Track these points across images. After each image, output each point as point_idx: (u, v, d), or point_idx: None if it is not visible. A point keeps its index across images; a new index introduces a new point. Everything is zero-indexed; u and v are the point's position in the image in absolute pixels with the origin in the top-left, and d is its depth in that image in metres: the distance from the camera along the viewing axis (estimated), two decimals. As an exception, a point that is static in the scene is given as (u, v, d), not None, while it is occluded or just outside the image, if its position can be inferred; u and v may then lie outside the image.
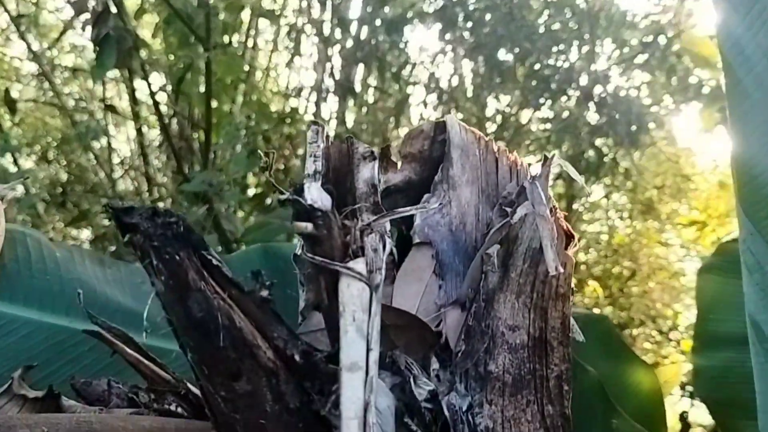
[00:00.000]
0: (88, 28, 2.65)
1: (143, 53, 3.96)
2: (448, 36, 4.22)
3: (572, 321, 0.70)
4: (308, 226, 0.47)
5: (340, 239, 0.49)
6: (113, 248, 4.12)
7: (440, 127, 0.75)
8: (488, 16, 3.98)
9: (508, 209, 0.65)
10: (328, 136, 0.71)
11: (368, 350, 0.47)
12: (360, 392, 0.46)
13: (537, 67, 4.30)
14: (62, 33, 4.06)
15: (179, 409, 0.66)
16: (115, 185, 4.73)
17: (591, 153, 4.39)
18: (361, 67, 4.52)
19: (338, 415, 0.46)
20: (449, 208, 0.71)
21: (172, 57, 4.10)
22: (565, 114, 4.33)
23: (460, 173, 0.71)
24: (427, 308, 0.68)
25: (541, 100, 4.17)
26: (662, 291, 4.34)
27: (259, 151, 0.60)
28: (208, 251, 0.47)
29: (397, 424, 0.53)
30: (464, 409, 0.62)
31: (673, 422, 3.73)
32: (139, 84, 4.27)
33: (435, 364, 0.64)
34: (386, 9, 4.10)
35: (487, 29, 4.10)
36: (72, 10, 2.95)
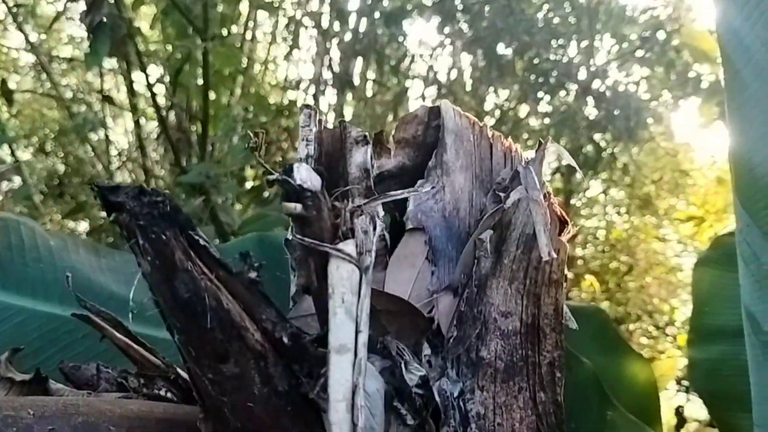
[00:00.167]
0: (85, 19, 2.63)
1: (141, 45, 3.95)
2: (447, 29, 4.21)
3: (565, 308, 0.69)
4: (297, 207, 0.47)
5: (329, 221, 0.48)
6: (111, 240, 4.11)
7: (434, 112, 0.74)
8: (487, 9, 3.97)
9: (502, 194, 0.65)
10: (320, 121, 0.70)
11: (357, 332, 0.46)
12: (348, 374, 0.45)
13: (536, 61, 4.29)
14: (54, 20, 4.04)
15: (168, 394, 0.65)
16: (113, 177, 4.71)
17: (589, 148, 4.38)
18: (359, 60, 4.51)
19: (326, 398, 0.46)
20: (443, 194, 0.70)
21: (169, 48, 4.08)
22: (564, 108, 4.32)
23: (454, 159, 0.70)
24: (419, 294, 0.67)
25: (540, 95, 4.16)
26: (659, 286, 4.35)
27: (248, 132, 0.59)
28: (195, 231, 0.47)
29: (387, 407, 0.53)
30: (455, 395, 0.61)
31: (669, 417, 3.74)
32: (137, 76, 4.26)
33: (427, 350, 0.63)
34: (385, 1, 4.08)
35: (485, 23, 4.08)
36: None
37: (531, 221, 0.63)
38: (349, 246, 0.48)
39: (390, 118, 4.57)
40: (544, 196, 0.65)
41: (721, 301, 1.64)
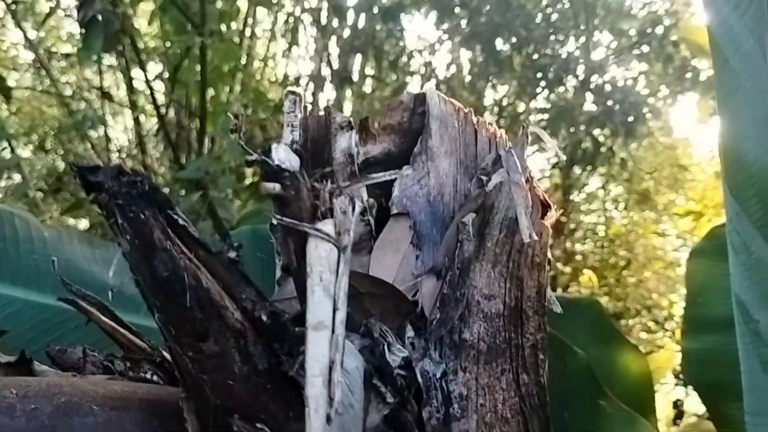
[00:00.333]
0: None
1: (140, 43, 3.95)
2: (445, 25, 4.21)
3: (549, 292, 0.70)
4: (275, 187, 0.47)
5: (308, 201, 0.49)
6: (109, 237, 4.12)
7: (420, 99, 0.74)
8: (485, 4, 3.97)
9: (484, 178, 0.65)
10: (306, 107, 0.70)
11: (335, 310, 0.47)
12: (325, 350, 0.46)
13: (534, 56, 4.29)
14: (48, 15, 4.04)
15: (154, 377, 0.66)
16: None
17: (588, 143, 4.38)
18: (358, 56, 4.51)
19: (305, 374, 0.46)
20: (427, 179, 0.70)
21: (168, 45, 4.09)
22: (562, 104, 4.32)
23: (438, 144, 0.71)
24: (404, 278, 0.67)
25: (538, 90, 4.16)
26: (658, 281, 4.35)
27: (229, 114, 0.59)
28: (174, 211, 0.47)
29: (366, 385, 0.53)
30: (438, 376, 0.62)
31: (668, 410, 3.75)
32: (136, 73, 4.26)
33: (410, 333, 0.64)
34: (383, -3, 4.08)
35: (483, 18, 4.08)
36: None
37: (514, 205, 0.63)
38: (327, 225, 0.49)
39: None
40: (527, 180, 0.65)
41: (715, 291, 1.64)
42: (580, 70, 4.28)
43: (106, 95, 4.24)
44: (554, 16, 4.27)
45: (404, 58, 4.53)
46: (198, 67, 3.42)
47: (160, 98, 4.38)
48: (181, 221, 0.47)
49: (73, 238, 1.35)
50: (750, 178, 1.21)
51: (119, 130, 5.35)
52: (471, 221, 0.63)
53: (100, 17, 2.30)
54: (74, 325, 1.14)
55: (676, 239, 4.71)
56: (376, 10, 4.01)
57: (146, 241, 0.46)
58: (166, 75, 4.14)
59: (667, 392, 4.06)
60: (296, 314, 0.50)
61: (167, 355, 0.66)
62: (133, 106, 4.42)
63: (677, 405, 3.71)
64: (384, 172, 0.73)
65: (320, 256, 0.48)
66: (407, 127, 0.73)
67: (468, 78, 4.51)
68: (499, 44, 4.27)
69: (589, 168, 4.49)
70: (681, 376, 3.84)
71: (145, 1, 4.06)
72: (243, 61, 4.33)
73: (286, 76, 4.82)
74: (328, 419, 0.45)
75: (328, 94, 4.50)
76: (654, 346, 4.30)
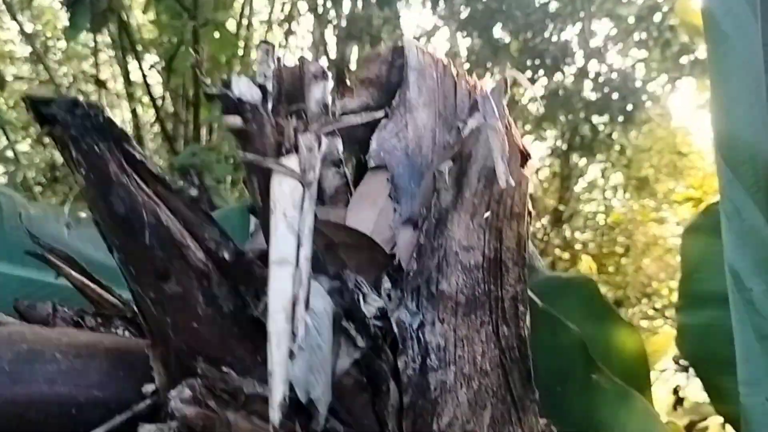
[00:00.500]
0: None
1: (136, 35, 3.93)
2: (442, 11, 4.18)
3: (530, 246, 0.68)
4: (237, 120, 0.46)
5: (272, 137, 0.47)
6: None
7: (398, 51, 0.72)
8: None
9: (461, 124, 0.64)
10: (279, 58, 0.68)
11: (299, 246, 0.45)
12: (288, 286, 0.44)
13: (532, 44, 4.26)
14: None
15: (126, 333, 0.64)
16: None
17: (586, 130, 4.36)
18: (356, 46, 4.48)
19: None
20: (405, 132, 0.69)
21: (163, 34, 4.07)
22: (560, 91, 4.30)
23: (416, 96, 0.69)
24: (381, 232, 0.66)
25: (536, 76, 4.14)
26: (657, 268, 4.33)
27: (190, 48, 0.58)
28: (131, 145, 0.46)
29: (336, 329, 0.52)
30: (414, 326, 0.60)
31: (667, 397, 3.73)
32: (133, 66, 4.25)
33: (387, 284, 0.62)
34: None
35: (480, 4, 4.06)
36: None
37: (492, 153, 0.62)
38: (291, 161, 0.47)
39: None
40: (505, 128, 0.63)
41: (710, 267, 1.63)
42: (579, 56, 4.25)
43: (99, 82, 4.22)
44: (552, 2, 4.24)
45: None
46: (193, 55, 3.40)
47: (158, 90, 4.37)
48: (138, 156, 0.46)
49: (59, 215, 1.34)
50: (743, 143, 1.19)
51: (116, 122, 5.34)
52: (448, 170, 0.62)
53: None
54: (59, 299, 1.13)
55: (675, 226, 4.68)
56: (372, -3, 3.99)
57: (102, 175, 0.45)
58: (162, 66, 4.12)
59: (667, 379, 4.04)
60: (261, 253, 0.48)
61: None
62: (130, 97, 4.40)
63: (677, 391, 3.69)
64: (362, 126, 0.71)
65: (284, 192, 0.46)
66: (385, 80, 0.72)
67: (466, 65, 4.48)
68: (497, 31, 4.24)
69: (587, 156, 4.47)
70: (681, 362, 3.82)
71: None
72: (240, 51, 4.31)
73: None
74: (291, 355, 0.43)
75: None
76: (653, 333, 4.28)
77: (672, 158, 4.92)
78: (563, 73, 4.16)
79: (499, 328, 0.64)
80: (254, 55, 4.85)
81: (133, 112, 4.57)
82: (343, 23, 4.37)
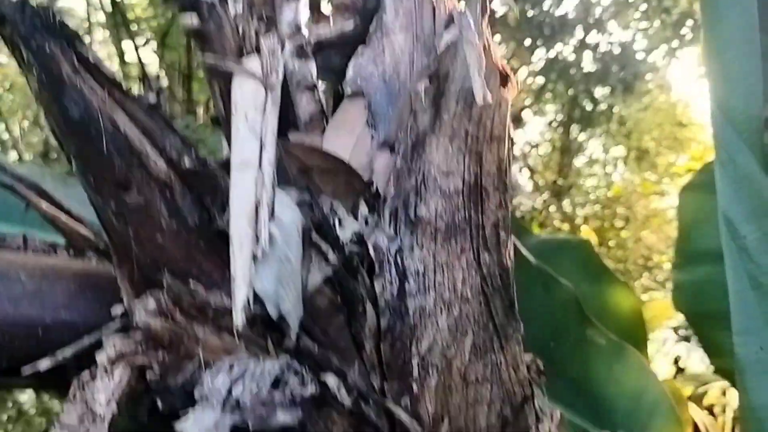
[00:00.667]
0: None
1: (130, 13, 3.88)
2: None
3: (513, 172, 0.67)
4: (193, 18, 0.44)
5: (232, 38, 0.45)
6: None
7: (375, -24, 0.70)
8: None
9: (438, 43, 0.61)
10: (252, -18, 0.66)
11: (261, 148, 0.44)
12: (250, 189, 0.43)
13: (530, 13, 4.20)
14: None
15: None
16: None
17: (586, 102, 4.31)
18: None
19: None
20: (382, 57, 0.67)
21: (157, 14, 4.02)
22: (560, 62, 4.24)
23: (393, 19, 0.67)
24: (359, 159, 0.64)
25: (533, 45, 4.08)
26: (658, 240, 4.31)
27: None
28: (84, 46, 0.44)
29: (306, 243, 0.50)
30: (392, 251, 0.59)
31: (668, 368, 3.73)
32: (127, 45, 4.20)
33: (363, 209, 0.61)
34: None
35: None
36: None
37: (469, 71, 0.60)
38: (253, 62, 0.45)
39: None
40: (484, 47, 0.61)
41: (707, 224, 1.61)
42: (578, 26, 4.19)
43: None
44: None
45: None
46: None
47: (153, 70, 4.32)
48: (91, 58, 0.44)
49: (46, 175, 1.33)
50: (736, 91, 1.17)
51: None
52: (424, 90, 0.60)
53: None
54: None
55: (676, 198, 4.64)
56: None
57: (54, 77, 0.43)
58: (156, 46, 4.08)
59: (667, 353, 4.05)
60: (224, 160, 0.47)
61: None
62: (126, 77, 4.36)
63: (677, 362, 3.69)
64: (339, 54, 0.69)
65: (245, 94, 0.45)
66: (362, 6, 0.69)
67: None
68: (495, 5, 4.18)
69: (587, 128, 4.42)
70: (680, 332, 3.82)
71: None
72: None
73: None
74: (254, 258, 0.42)
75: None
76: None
77: (672, 130, 4.87)
78: (563, 43, 4.11)
79: (480, 255, 0.63)
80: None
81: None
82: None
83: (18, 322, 0.50)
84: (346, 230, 0.57)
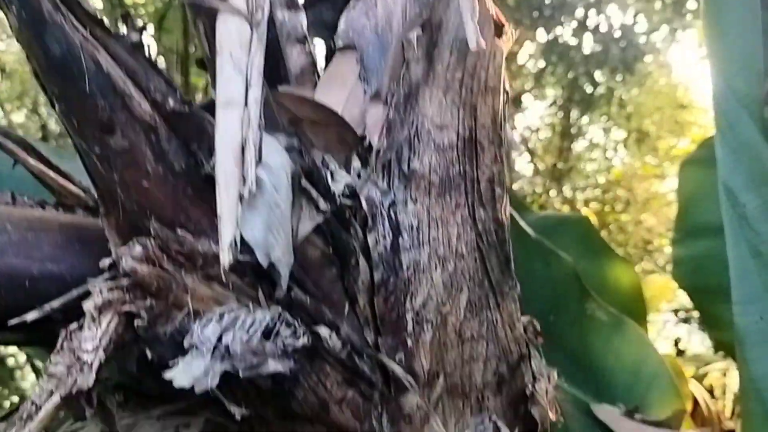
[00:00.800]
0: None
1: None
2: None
3: (505, 120, 0.65)
4: (177, -46, 0.42)
5: (217, -25, 0.44)
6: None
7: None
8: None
9: (431, -9, 0.60)
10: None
11: (247, 87, 0.43)
12: (236, 128, 0.41)
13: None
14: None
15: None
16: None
17: (586, 84, 4.29)
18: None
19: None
20: (375, 10, 0.65)
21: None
22: (560, 43, 4.22)
23: (385, -30, 0.66)
24: (351, 114, 0.63)
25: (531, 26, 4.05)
26: (658, 222, 4.30)
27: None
28: (64, -19, 0.42)
29: (296, 190, 0.49)
30: (385, 204, 0.58)
31: (668, 350, 3.74)
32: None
33: (356, 163, 0.60)
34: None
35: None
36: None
37: (464, 23, 0.58)
38: None
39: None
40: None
41: (706, 199, 1.60)
42: (578, 8, 4.16)
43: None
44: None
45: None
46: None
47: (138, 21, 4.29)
48: (73, -6, 0.43)
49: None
50: (735, 55, 1.15)
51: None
52: (417, 39, 0.58)
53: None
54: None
55: (676, 181, 4.63)
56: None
57: (34, 13, 0.42)
58: (153, 31, 4.06)
59: (667, 336, 4.05)
60: (210, 101, 0.45)
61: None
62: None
63: (677, 343, 3.70)
64: (331, 9, 0.68)
65: (230, 32, 0.43)
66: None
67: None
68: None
69: (587, 111, 4.40)
70: (679, 314, 3.83)
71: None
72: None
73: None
74: (241, 198, 0.41)
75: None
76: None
77: (673, 114, 4.85)
78: (562, 24, 4.08)
79: (476, 210, 0.62)
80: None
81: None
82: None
83: (3, 272, 0.49)
84: (339, 183, 0.56)
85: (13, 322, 0.49)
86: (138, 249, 0.45)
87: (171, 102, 0.45)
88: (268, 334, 0.49)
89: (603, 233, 4.62)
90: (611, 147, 5.06)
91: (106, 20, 0.43)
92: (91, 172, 0.47)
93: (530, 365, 0.68)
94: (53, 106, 0.45)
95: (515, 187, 4.42)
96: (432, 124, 0.61)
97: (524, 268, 0.88)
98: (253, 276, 0.50)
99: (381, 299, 0.56)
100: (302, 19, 0.62)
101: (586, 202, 4.83)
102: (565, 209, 4.37)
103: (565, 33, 4.33)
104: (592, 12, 4.28)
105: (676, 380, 1.39)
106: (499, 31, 0.61)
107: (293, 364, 0.50)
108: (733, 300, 1.16)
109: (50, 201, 0.64)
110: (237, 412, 0.50)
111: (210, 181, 0.47)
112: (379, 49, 0.65)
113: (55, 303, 0.50)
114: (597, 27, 4.28)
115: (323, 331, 0.52)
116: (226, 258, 0.40)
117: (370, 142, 0.61)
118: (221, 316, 0.49)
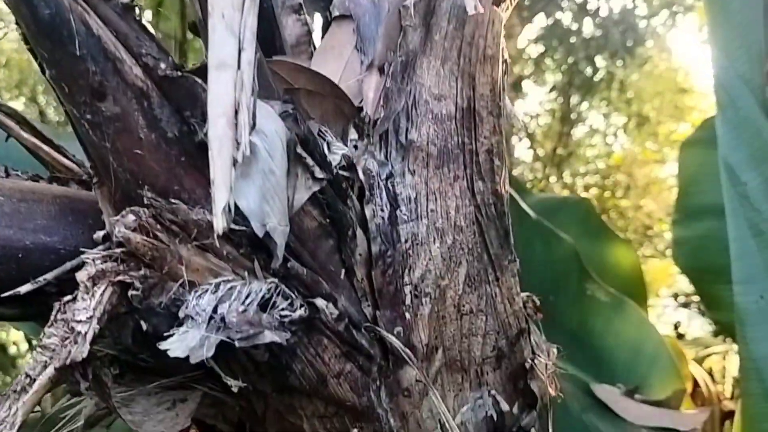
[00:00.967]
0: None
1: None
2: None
3: (507, 101, 0.64)
4: None
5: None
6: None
7: None
8: None
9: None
10: None
11: (240, 49, 0.42)
12: (229, 90, 0.40)
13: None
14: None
15: (82, 196, 0.61)
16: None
17: (586, 68, 4.26)
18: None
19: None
20: (371, -21, 0.64)
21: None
22: (560, 27, 4.18)
23: (382, -61, 0.64)
24: (348, 85, 0.62)
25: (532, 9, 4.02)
26: (658, 207, 4.30)
27: None
28: (52, -59, 0.41)
29: (291, 157, 0.48)
30: (383, 176, 0.57)
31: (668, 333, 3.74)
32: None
33: (353, 135, 0.59)
34: None
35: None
36: None
37: (462, -10, 0.57)
38: (230, -40, 0.43)
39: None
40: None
41: (707, 180, 1.59)
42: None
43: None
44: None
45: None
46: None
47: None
48: (61, -46, 0.41)
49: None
50: (736, 30, 1.14)
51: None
52: (414, 5, 0.57)
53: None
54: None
55: (676, 166, 4.61)
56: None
57: (21, -26, 0.41)
58: (150, 16, 4.03)
59: (667, 321, 4.06)
60: (203, 65, 0.44)
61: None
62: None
63: (677, 327, 3.71)
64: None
65: (223, -7, 0.42)
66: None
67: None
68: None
69: (588, 95, 4.38)
70: (679, 298, 3.83)
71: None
72: None
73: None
74: (234, 163, 0.40)
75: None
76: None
77: (673, 98, 4.82)
78: (562, 8, 4.04)
79: (474, 183, 0.61)
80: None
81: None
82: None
83: (-4, 243, 0.49)
84: (335, 155, 0.56)
85: (6, 294, 0.49)
86: (131, 218, 0.45)
87: (163, 67, 0.44)
88: (264, 305, 0.49)
89: (603, 218, 4.61)
90: (611, 132, 5.04)
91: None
92: (84, 141, 0.46)
93: (530, 340, 0.67)
94: (43, 72, 0.44)
95: (515, 172, 4.41)
96: (430, 94, 0.60)
97: (525, 249, 0.88)
98: (248, 247, 0.49)
99: (379, 272, 0.56)
100: (296, -10, 0.61)
101: (586, 188, 4.83)
102: (566, 194, 4.36)
103: (564, 17, 4.30)
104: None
105: (677, 360, 1.39)
106: (498, -1, 0.60)
107: (290, 335, 0.49)
108: (734, 280, 1.15)
109: (44, 176, 0.63)
110: (234, 384, 0.50)
111: (204, 149, 0.46)
112: (376, 17, 0.63)
113: (49, 275, 0.50)
114: (597, 11, 4.26)
115: (320, 303, 0.52)
116: (219, 224, 0.39)
117: (367, 113, 0.60)
118: (217, 287, 0.48)
